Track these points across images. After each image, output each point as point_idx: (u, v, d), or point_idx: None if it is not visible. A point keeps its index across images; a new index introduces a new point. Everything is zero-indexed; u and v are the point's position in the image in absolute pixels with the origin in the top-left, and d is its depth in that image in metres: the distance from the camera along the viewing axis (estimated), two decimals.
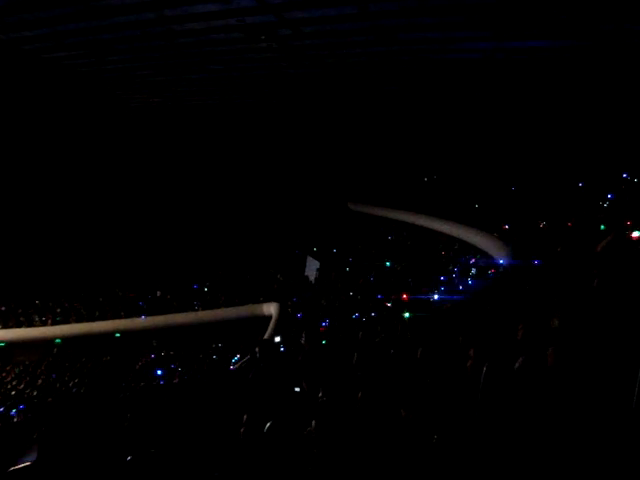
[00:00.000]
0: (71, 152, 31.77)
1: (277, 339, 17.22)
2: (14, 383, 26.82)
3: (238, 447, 4.71)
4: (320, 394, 5.15)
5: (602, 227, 16.01)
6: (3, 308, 32.65)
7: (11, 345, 31.08)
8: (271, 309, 27.21)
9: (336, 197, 34.66)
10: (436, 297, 17.23)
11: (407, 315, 14.40)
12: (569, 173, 23.47)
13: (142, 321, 30.29)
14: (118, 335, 30.02)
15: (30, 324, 31.90)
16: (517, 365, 3.97)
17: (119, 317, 30.98)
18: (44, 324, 31.76)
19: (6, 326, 31.61)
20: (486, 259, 21.48)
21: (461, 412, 3.86)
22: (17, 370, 29.38)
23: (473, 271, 22.12)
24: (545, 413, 3.24)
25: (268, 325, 25.44)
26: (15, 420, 18.88)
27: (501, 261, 19.12)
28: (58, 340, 30.68)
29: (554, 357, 3.58)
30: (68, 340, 30.56)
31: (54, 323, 31.67)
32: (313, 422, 4.11)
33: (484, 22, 16.30)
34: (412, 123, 30.39)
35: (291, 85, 25.26)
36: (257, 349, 9.12)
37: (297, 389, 6.92)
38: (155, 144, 33.90)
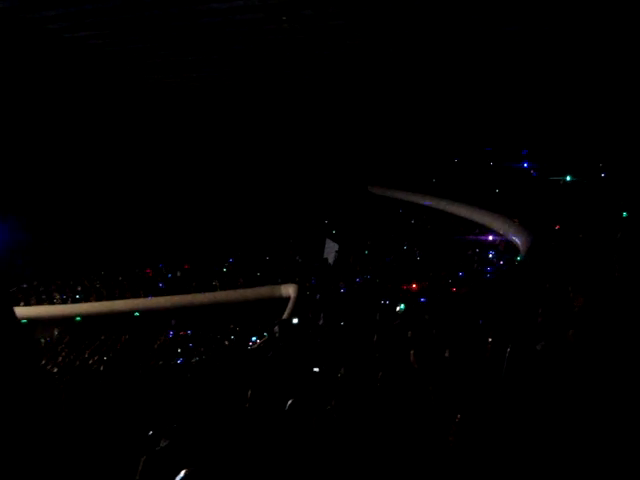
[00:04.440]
0: (92, 130, 31.95)
1: (295, 320, 17.27)
2: None
3: (258, 423, 4.77)
4: (340, 374, 5.19)
5: (624, 214, 15.85)
6: (25, 286, 33.05)
7: (32, 322, 31.48)
8: (289, 290, 27.28)
9: (357, 180, 34.56)
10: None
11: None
12: (591, 159, 23.23)
13: (161, 300, 30.52)
14: (137, 314, 30.27)
15: (51, 302, 32.29)
16: (538, 347, 3.98)
17: (138, 296, 31.23)
18: (65, 302, 32.13)
19: (28, 304, 32.00)
20: (507, 244, 21.41)
21: (483, 392, 3.87)
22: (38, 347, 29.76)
23: (492, 256, 22.08)
24: (567, 394, 3.24)
25: (286, 306, 25.52)
26: None
27: (521, 246, 19.05)
28: (78, 318, 31.00)
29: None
30: (88, 318, 30.87)
31: (74, 301, 32.03)
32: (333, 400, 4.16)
33: None
34: (435, 106, 30.15)
35: (312, 67, 25.15)
36: (276, 329, 9.21)
37: (316, 369, 6.97)
38: (174, 124, 33.96)
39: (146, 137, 33.86)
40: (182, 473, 3.11)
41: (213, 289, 30.81)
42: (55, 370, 24.77)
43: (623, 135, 22.16)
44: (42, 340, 30.63)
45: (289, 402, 4.30)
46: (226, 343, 26.00)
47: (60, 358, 26.94)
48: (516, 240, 20.24)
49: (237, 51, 23.06)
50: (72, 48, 22.60)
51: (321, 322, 12.20)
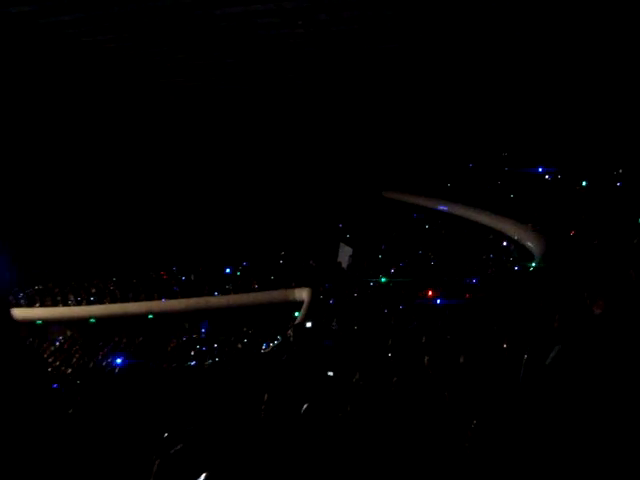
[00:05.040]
0: (110, 133, 32.12)
1: (308, 324, 17.28)
2: (50, 360, 27.34)
3: (273, 427, 4.77)
4: (354, 378, 5.18)
5: None
6: (40, 287, 33.28)
7: (47, 323, 31.72)
8: (303, 294, 27.26)
9: (371, 184, 34.52)
10: None
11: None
12: (607, 166, 23.08)
13: (175, 303, 30.60)
14: (151, 316, 30.38)
15: (66, 303, 32.49)
16: (552, 354, 3.95)
17: (152, 299, 31.32)
18: (79, 304, 32.31)
19: (43, 305, 32.22)
20: (521, 250, 21.32)
21: (500, 398, 3.86)
22: (52, 348, 29.95)
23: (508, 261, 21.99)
24: (584, 400, 3.22)
25: (300, 311, 25.51)
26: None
27: (536, 252, 18.96)
28: (92, 320, 31.17)
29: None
30: (102, 320, 31.03)
31: (89, 303, 32.20)
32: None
33: None
34: (449, 111, 30.07)
35: (327, 71, 25.17)
36: (290, 333, 9.22)
37: (330, 373, 6.96)
38: (190, 127, 34.07)
39: (163, 140, 33.99)
40: (202, 477, 3.10)
41: (227, 292, 30.86)
42: (69, 371, 24.93)
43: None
44: (57, 342, 30.88)
45: (304, 406, 4.30)
46: (239, 346, 26.04)
47: (74, 360, 27.10)
48: (530, 245, 20.16)
49: (252, 55, 23.12)
50: (90, 52, 22.76)
51: (335, 326, 12.21)
